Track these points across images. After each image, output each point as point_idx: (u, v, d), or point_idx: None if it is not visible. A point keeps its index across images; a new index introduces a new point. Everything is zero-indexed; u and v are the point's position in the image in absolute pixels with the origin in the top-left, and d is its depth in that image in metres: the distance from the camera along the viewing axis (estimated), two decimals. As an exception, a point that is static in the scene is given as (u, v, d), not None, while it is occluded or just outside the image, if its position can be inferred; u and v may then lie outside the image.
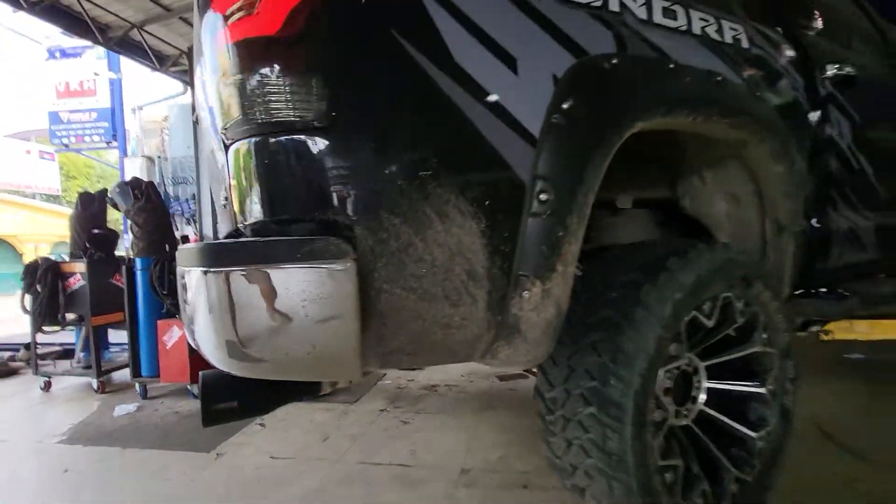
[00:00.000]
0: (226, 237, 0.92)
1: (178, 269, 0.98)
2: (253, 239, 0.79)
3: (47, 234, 20.51)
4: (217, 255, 0.76)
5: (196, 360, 2.89)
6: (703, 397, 1.24)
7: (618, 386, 0.95)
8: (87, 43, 6.83)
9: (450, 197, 0.82)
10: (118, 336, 3.72)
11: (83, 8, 5.57)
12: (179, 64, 6.99)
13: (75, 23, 5.81)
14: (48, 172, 19.10)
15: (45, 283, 3.21)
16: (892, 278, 1.90)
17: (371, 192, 0.79)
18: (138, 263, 3.07)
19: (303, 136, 0.77)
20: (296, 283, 0.73)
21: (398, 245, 0.79)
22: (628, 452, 0.94)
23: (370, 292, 0.77)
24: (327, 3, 0.77)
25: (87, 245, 3.37)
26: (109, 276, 3.37)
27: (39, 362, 3.45)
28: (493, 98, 0.85)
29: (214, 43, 0.80)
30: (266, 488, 1.83)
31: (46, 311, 3.24)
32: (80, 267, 3.29)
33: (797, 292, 1.69)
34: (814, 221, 1.55)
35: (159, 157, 7.86)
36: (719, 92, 1.15)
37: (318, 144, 0.77)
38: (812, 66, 1.53)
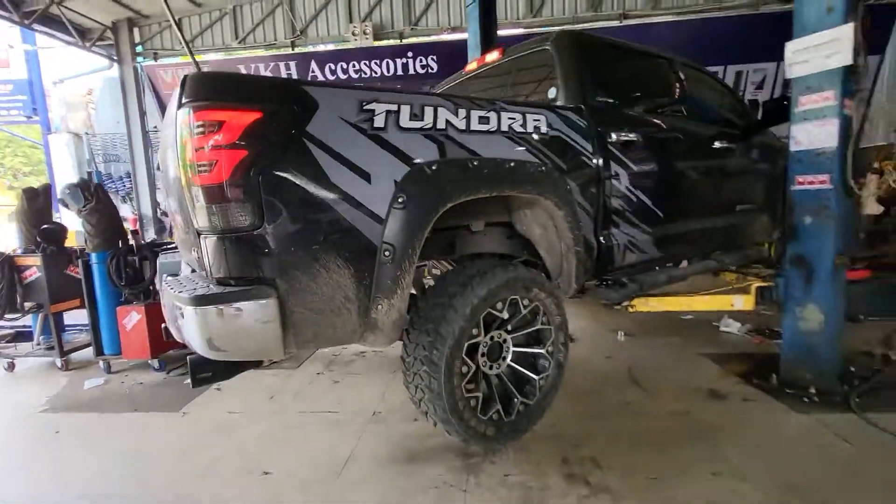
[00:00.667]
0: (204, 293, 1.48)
1: (171, 300, 1.57)
2: (225, 291, 1.40)
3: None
4: (203, 299, 1.37)
5: (155, 339, 3.41)
6: (510, 356, 2.02)
7: (436, 353, 1.69)
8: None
9: (332, 257, 1.47)
10: (71, 318, 4.12)
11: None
12: (105, 38, 6.83)
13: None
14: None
15: (2, 277, 3.53)
16: (664, 269, 2.79)
17: (284, 260, 1.42)
18: (94, 258, 3.46)
19: (244, 235, 1.38)
20: (246, 310, 1.36)
21: (301, 287, 1.44)
22: (443, 391, 1.70)
23: (286, 312, 1.42)
24: (250, 163, 1.36)
25: (39, 240, 3.67)
26: (64, 267, 3.72)
27: (1, 346, 3.80)
28: (356, 198, 1.50)
29: (190, 180, 1.37)
30: (226, 433, 2.48)
31: (6, 302, 3.57)
32: (34, 260, 3.61)
33: (595, 283, 2.53)
34: (601, 239, 2.35)
35: (87, 134, 7.68)
36: (510, 174, 1.85)
37: (253, 240, 1.38)
38: (599, 134, 2.27)
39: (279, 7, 6.64)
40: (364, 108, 1.54)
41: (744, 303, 2.79)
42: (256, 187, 1.35)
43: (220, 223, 1.34)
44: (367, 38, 6.54)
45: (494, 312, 1.85)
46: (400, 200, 1.56)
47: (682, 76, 3.03)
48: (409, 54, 6.60)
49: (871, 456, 1.97)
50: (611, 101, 2.42)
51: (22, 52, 7.13)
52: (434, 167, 1.64)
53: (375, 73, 6.70)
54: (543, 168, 1.98)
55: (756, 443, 2.11)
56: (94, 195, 3.45)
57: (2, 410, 3.03)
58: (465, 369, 1.78)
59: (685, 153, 2.76)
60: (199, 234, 1.41)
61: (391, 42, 6.69)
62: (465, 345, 1.76)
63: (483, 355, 1.91)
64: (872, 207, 6.39)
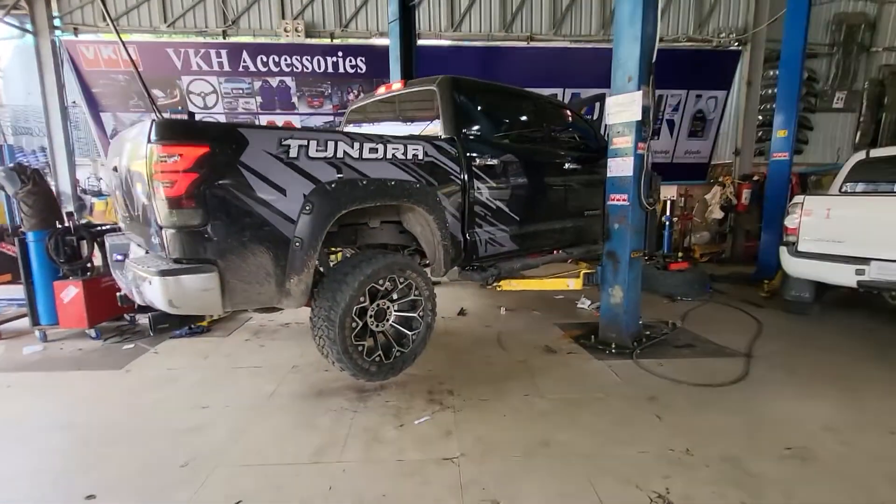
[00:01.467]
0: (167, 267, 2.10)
1: (133, 269, 2.17)
2: (181, 267, 2.04)
3: None
4: (167, 272, 2.01)
5: (92, 310, 3.82)
6: (392, 319, 2.83)
7: (332, 313, 2.45)
8: None
9: (258, 246, 2.16)
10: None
11: None
12: (20, 7, 6.62)
13: None
14: None
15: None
16: (521, 259, 3.74)
17: (223, 247, 2.09)
18: (31, 236, 3.79)
19: (194, 230, 2.03)
20: (196, 279, 2.03)
21: (235, 265, 2.12)
22: (337, 339, 2.47)
23: (224, 282, 2.10)
24: (199, 182, 2.01)
25: (-29, 217, 3.89)
26: (-3, 243, 3.98)
27: (-75, 317, 3.97)
28: (275, 206, 2.20)
29: (156, 192, 1.98)
30: (168, 382, 3.07)
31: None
32: (-34, 236, 3.84)
33: (465, 268, 3.39)
34: (467, 236, 3.21)
35: (-5, 104, 7.36)
36: (390, 189, 2.62)
37: (201, 233, 2.04)
38: (466, 159, 3.10)
39: (210, -7, 6.82)
40: (282, 143, 2.24)
41: (575, 284, 3.81)
42: (203, 198, 2.01)
43: (177, 221, 1.99)
44: (298, 35, 6.93)
45: (377, 286, 2.64)
46: (307, 208, 2.28)
47: (544, 112, 3.97)
48: (340, 54, 7.09)
49: (628, 382, 3.02)
50: (479, 132, 3.27)
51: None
52: (333, 185, 2.38)
53: (307, 68, 7.12)
54: (418, 185, 2.78)
55: (559, 377, 3.11)
56: (30, 178, 3.75)
57: (-56, 372, 3.35)
58: (354, 325, 2.56)
59: (538, 172, 3.69)
60: (161, 227, 2.04)
61: (323, 41, 7.15)
62: (355, 308, 2.54)
63: (372, 317, 2.71)
64: (717, 213, 7.98)
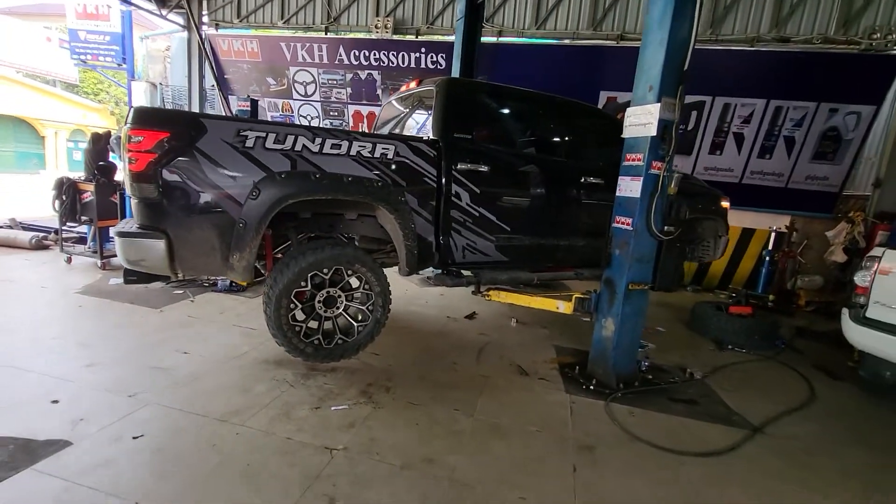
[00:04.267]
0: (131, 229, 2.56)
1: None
2: (133, 230, 2.46)
3: (67, 121, 21.97)
4: (123, 233, 2.45)
5: (161, 258, 4.69)
6: (342, 307, 2.98)
7: (272, 291, 2.68)
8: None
9: (205, 223, 2.47)
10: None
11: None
12: (180, 7, 8.15)
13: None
14: (67, 62, 20.03)
15: (68, 195, 4.94)
16: (510, 271, 3.56)
17: (173, 219, 2.44)
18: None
19: (150, 201, 2.40)
20: (147, 243, 2.42)
21: (183, 235, 2.46)
22: (272, 316, 2.70)
23: (172, 248, 2.45)
24: (156, 161, 2.36)
25: (96, 173, 5.03)
26: (110, 195, 5.08)
27: (65, 245, 5.28)
28: (225, 189, 2.48)
29: (125, 166, 2.41)
30: (177, 327, 3.66)
31: (68, 213, 5.00)
32: (90, 187, 4.99)
33: (441, 272, 3.37)
34: (440, 240, 3.18)
35: (161, 84, 9.22)
36: (344, 185, 2.72)
37: (156, 204, 2.41)
38: (446, 163, 3.07)
39: (321, -7, 7.58)
40: (240, 133, 2.50)
41: (564, 308, 3.50)
42: (159, 175, 2.37)
43: (138, 193, 2.39)
44: (387, 32, 7.36)
45: (321, 274, 2.80)
46: (254, 194, 2.52)
47: (565, 120, 3.69)
48: (423, 50, 7.34)
49: (577, 424, 2.72)
50: (468, 137, 3.19)
51: (119, 10, 8.67)
52: (283, 175, 2.58)
53: (393, 63, 7.53)
54: (380, 183, 2.84)
55: (507, 400, 2.94)
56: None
57: (55, 287, 4.44)
58: (291, 306, 2.77)
59: (542, 183, 3.45)
60: (131, 198, 2.47)
61: (408, 37, 7.47)
62: (293, 290, 2.74)
63: (320, 303, 2.88)
64: (838, 255, 6.53)
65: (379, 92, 7.82)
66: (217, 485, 1.96)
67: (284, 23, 7.99)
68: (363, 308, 2.99)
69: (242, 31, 8.23)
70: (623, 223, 3.17)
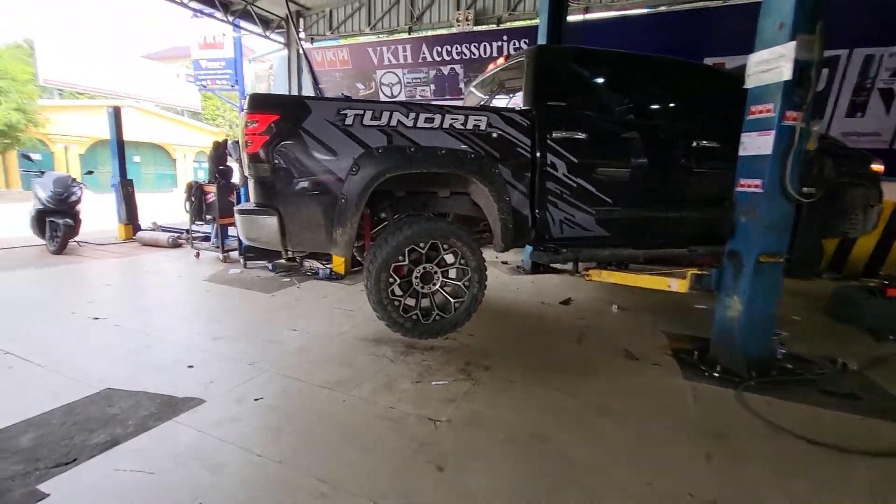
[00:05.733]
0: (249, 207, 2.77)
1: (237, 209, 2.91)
2: (250, 208, 2.66)
3: (193, 145, 25.36)
4: (242, 210, 2.65)
5: (271, 250, 5.11)
6: (438, 283, 2.96)
7: (372, 266, 2.73)
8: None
9: (312, 199, 2.59)
10: (233, 230, 6.15)
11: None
12: (280, 27, 8.93)
13: (209, 2, 7.96)
14: (192, 93, 23.07)
15: (196, 196, 5.60)
16: (612, 248, 3.28)
17: (283, 195, 2.59)
18: (242, 190, 5.26)
19: (265, 181, 2.58)
20: (262, 220, 2.60)
21: (292, 213, 2.61)
22: (373, 290, 2.74)
23: (283, 225, 2.61)
24: (268, 143, 2.53)
25: (217, 175, 5.65)
26: (229, 195, 5.66)
27: (194, 242, 6.00)
28: (327, 167, 2.58)
29: (243, 149, 2.61)
30: (285, 308, 3.93)
31: (196, 212, 5.66)
32: (212, 188, 5.60)
33: (537, 249, 3.22)
34: (537, 212, 3.04)
35: (266, 100, 10.19)
36: (439, 158, 2.69)
37: (269, 183, 2.58)
38: (540, 132, 2.92)
39: (402, -2, 7.83)
40: (340, 112, 2.59)
41: (678, 286, 3.12)
42: (271, 156, 2.54)
43: (253, 173, 2.58)
44: (468, 24, 7.35)
45: (417, 248, 2.80)
46: (354, 170, 2.59)
47: (673, 81, 3.34)
48: (505, 38, 7.21)
49: (703, 411, 2.41)
50: (562, 104, 3.01)
51: (231, 38, 9.76)
52: (380, 150, 2.62)
53: (474, 54, 7.50)
54: (473, 155, 2.78)
55: (616, 384, 2.69)
56: (245, 149, 5.20)
57: (191, 277, 5.04)
58: (390, 279, 2.80)
59: (648, 150, 3.15)
60: (247, 178, 2.67)
61: (489, 27, 7.40)
62: (392, 264, 2.77)
63: (418, 278, 2.89)
64: None
65: (461, 85, 7.84)
66: (327, 444, 2.02)
67: (371, 28, 8.38)
68: (459, 284, 2.95)
69: (333, 41, 8.77)
70: (750, 186, 2.76)
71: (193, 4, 9.08)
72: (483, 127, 2.81)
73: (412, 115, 2.70)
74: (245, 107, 2.56)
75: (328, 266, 5.19)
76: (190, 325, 3.47)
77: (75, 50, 18.35)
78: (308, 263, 5.50)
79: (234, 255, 5.84)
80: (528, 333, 3.51)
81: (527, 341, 3.34)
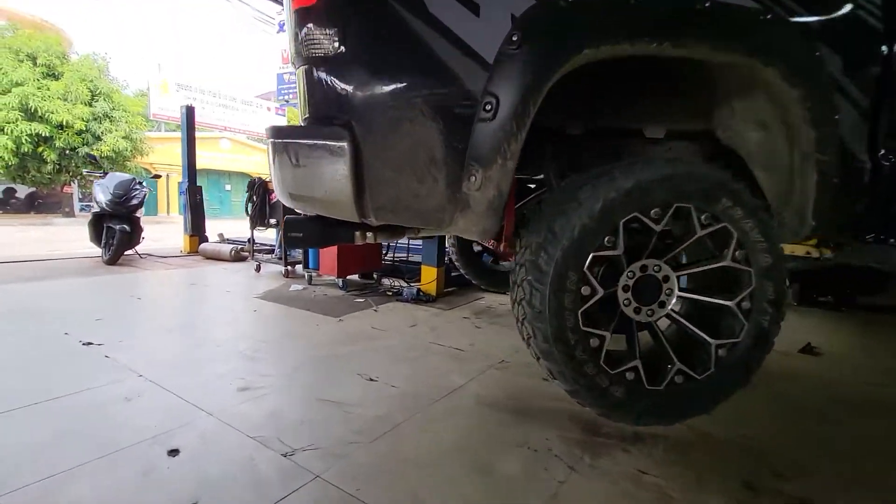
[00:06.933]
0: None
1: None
2: (303, 129, 1.32)
3: (277, 174, 26.36)
4: (281, 134, 1.34)
5: (342, 264, 3.87)
6: (672, 302, 1.38)
7: (544, 257, 1.23)
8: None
9: (417, 104, 1.20)
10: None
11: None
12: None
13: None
14: (280, 122, 23.94)
15: (258, 194, 4.58)
16: None
17: (364, 104, 1.23)
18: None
19: (327, 68, 1.24)
20: (319, 154, 1.24)
21: (381, 135, 1.22)
22: (547, 307, 1.23)
23: (361, 165, 1.23)
24: None
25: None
26: (296, 194, 4.59)
27: (255, 254, 4.97)
28: (456, 35, 1.18)
29: (290, 9, 1.32)
30: (359, 339, 2.55)
31: (258, 216, 4.63)
32: (278, 186, 4.56)
33: (860, 237, 1.56)
34: (883, 160, 1.41)
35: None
36: (698, 19, 1.19)
37: (336, 74, 1.24)
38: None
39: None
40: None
41: None
42: (343, 17, 1.19)
43: (305, 53, 1.24)
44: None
45: (645, 219, 1.25)
46: (514, 40, 1.16)
47: None
48: None
49: None
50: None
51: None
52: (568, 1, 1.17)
53: None
54: (769, 16, 1.24)
55: None
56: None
57: (243, 291, 3.91)
58: (584, 289, 1.26)
59: None
60: (296, 68, 1.35)
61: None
62: (590, 255, 1.24)
63: (627, 289, 1.34)
64: None
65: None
66: None
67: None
68: (730, 304, 1.33)
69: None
70: None
71: (281, 19, 8.72)
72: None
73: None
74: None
75: (414, 284, 3.82)
76: (211, 361, 2.19)
77: (188, 92, 19.74)
78: (387, 281, 4.19)
79: (300, 268, 4.70)
80: (798, 409, 1.78)
81: (812, 426, 1.63)
